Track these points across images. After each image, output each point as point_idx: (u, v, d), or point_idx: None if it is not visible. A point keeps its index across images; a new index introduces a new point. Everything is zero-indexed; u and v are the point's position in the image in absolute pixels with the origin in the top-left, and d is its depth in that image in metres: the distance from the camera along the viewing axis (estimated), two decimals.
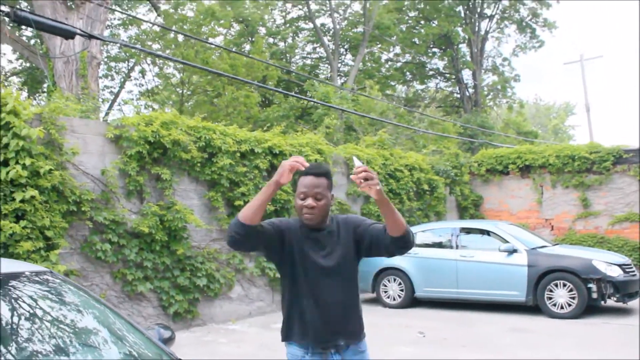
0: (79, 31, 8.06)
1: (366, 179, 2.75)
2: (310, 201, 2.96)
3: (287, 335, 3.01)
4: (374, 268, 10.71)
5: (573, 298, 9.17)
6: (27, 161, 6.58)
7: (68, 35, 8.02)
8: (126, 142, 7.94)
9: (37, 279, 2.68)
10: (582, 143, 17.59)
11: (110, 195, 7.78)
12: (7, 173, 6.46)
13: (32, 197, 6.56)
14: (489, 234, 10.34)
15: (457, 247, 10.32)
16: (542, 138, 34.94)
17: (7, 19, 7.54)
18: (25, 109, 6.80)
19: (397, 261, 10.50)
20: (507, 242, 9.86)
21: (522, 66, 52.19)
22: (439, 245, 10.61)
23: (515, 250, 9.69)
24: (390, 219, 2.90)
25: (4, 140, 6.59)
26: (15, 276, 2.65)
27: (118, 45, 19.84)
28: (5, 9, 7.46)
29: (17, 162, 6.56)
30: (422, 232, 10.83)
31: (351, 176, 2.81)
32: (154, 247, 8.10)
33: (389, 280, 10.64)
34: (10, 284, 2.53)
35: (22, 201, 6.49)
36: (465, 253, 10.13)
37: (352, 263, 3.11)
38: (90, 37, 8.54)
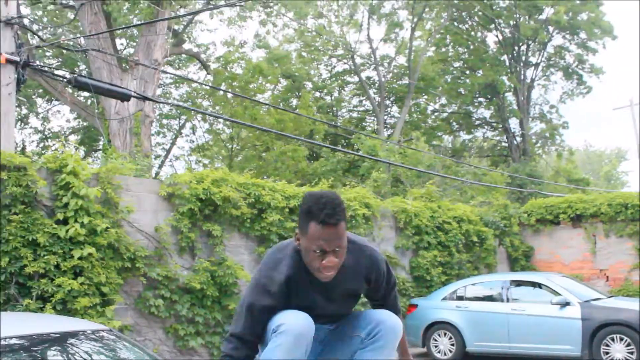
0: (134, 94, 8.45)
1: None
2: (331, 258, 2.47)
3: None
4: (424, 322, 10.61)
5: (631, 353, 8.88)
6: (85, 220, 6.85)
7: (124, 98, 8.41)
8: (179, 199, 8.19)
9: (94, 336, 2.82)
10: (635, 190, 17.25)
11: (163, 252, 7.99)
12: (67, 231, 6.73)
13: (90, 254, 6.80)
14: (540, 287, 10.15)
15: (508, 300, 10.16)
16: (594, 185, 34.29)
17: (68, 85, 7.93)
18: (84, 170, 7.11)
19: (447, 315, 10.40)
20: (559, 294, 9.66)
21: (570, 113, 51.73)
22: (490, 298, 10.47)
23: (568, 303, 9.49)
24: None
25: (64, 199, 6.89)
26: (75, 334, 2.79)
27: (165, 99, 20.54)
28: (66, 75, 7.90)
29: (75, 221, 6.83)
30: (472, 285, 10.72)
31: None
32: (205, 303, 8.24)
33: (439, 335, 10.51)
34: (69, 342, 2.67)
35: (80, 258, 6.73)
36: (517, 306, 9.96)
37: (356, 299, 2.87)
38: (145, 99, 8.94)
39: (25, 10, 17.74)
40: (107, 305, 6.98)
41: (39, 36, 9.64)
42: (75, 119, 22.47)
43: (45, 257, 6.55)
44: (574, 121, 50.79)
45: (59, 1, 18.83)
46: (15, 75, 7.34)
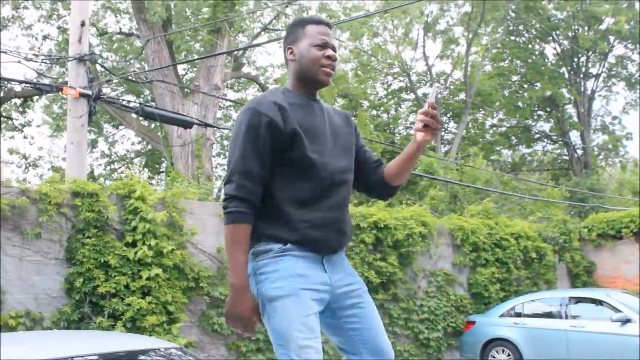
0: (196, 121, 8.92)
1: (433, 128, 2.45)
2: (331, 52, 2.52)
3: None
4: (482, 338, 10.66)
5: None
6: (152, 242, 7.29)
7: (187, 125, 8.89)
8: None
9: (166, 354, 3.14)
10: None
11: (225, 272, 8.36)
12: (135, 253, 7.18)
13: (157, 275, 7.23)
14: (600, 303, 10.09)
15: (567, 316, 10.13)
16: None
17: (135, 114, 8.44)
18: (151, 195, 7.57)
19: (505, 332, 10.44)
20: (619, 311, 9.59)
21: (634, 123, 50.36)
22: (548, 315, 10.45)
23: (628, 320, 9.41)
24: (409, 166, 2.62)
25: (133, 223, 7.35)
26: (147, 352, 3.12)
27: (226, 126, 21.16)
28: (134, 104, 8.43)
29: (143, 243, 7.28)
30: (530, 302, 10.73)
31: (419, 111, 2.46)
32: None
33: (497, 351, 10.54)
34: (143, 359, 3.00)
35: (148, 279, 7.17)
36: (576, 323, 9.92)
37: (353, 154, 2.69)
38: (206, 125, 9.42)
39: (93, 40, 18.69)
40: (173, 323, 7.38)
41: (109, 71, 10.26)
42: (139, 142, 23.37)
43: (116, 278, 7.01)
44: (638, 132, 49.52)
45: (123, 31, 19.77)
46: (87, 108, 7.88)
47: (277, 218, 2.42)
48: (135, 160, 23.45)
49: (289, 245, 2.38)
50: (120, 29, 19.96)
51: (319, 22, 2.57)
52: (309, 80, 2.56)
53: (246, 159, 2.38)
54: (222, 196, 2.43)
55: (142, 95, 21.94)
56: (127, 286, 7.06)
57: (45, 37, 18.97)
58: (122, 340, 3.55)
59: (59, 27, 18.34)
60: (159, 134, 18.81)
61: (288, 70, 2.64)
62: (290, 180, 2.43)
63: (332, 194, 2.47)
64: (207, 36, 15.92)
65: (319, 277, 2.42)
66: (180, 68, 20.97)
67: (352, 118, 2.77)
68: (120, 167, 23.14)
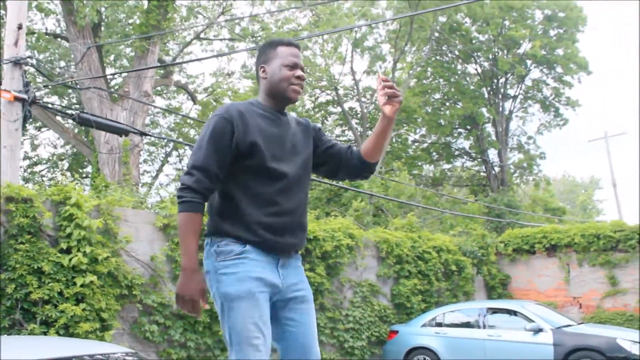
0: (132, 130, 8.95)
1: (394, 96, 2.71)
2: (300, 72, 2.79)
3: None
4: (404, 348, 11.08)
5: None
6: (88, 249, 7.28)
7: (122, 132, 8.90)
8: (173, 230, 8.65)
9: (127, 358, 3.28)
10: (608, 220, 17.92)
11: (158, 280, 8.42)
12: (70, 260, 7.16)
13: (91, 282, 7.22)
14: (515, 314, 10.69)
15: (484, 326, 10.68)
16: (570, 214, 35.11)
17: (71, 120, 8.39)
18: (87, 202, 7.57)
19: (426, 341, 10.90)
20: (532, 321, 10.21)
21: (547, 143, 52.91)
22: (467, 325, 10.98)
23: (540, 330, 10.04)
24: (383, 141, 2.85)
25: (67, 230, 7.32)
26: (108, 356, 3.26)
27: (159, 135, 21.01)
28: (70, 111, 8.38)
29: (78, 250, 7.26)
30: (450, 312, 11.24)
31: (378, 87, 2.72)
32: (197, 328, 8.65)
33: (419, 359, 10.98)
34: None
35: (82, 285, 7.16)
36: (493, 332, 10.49)
37: (310, 166, 2.93)
38: (142, 134, 9.45)
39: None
40: (106, 330, 7.38)
41: (45, 76, 10.12)
42: (62, 145, 22.83)
43: (50, 285, 6.97)
44: (551, 151, 52.07)
45: (50, 32, 19.34)
46: (22, 113, 7.80)
47: (237, 219, 2.66)
48: (59, 164, 22.87)
49: (247, 247, 2.63)
50: (47, 29, 19.53)
51: (289, 44, 2.82)
52: (279, 97, 2.81)
53: (207, 157, 2.62)
54: (179, 185, 2.65)
55: (66, 97, 21.49)
56: (60, 293, 7.03)
57: None
58: (79, 345, 3.65)
59: None
60: (85, 138, 18.49)
61: (259, 86, 2.90)
62: (250, 185, 2.69)
63: (287, 199, 2.71)
64: (139, 42, 15.80)
65: (272, 279, 2.67)
66: (109, 71, 20.67)
67: (311, 123, 3.02)
68: (42, 170, 22.53)
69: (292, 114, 3.05)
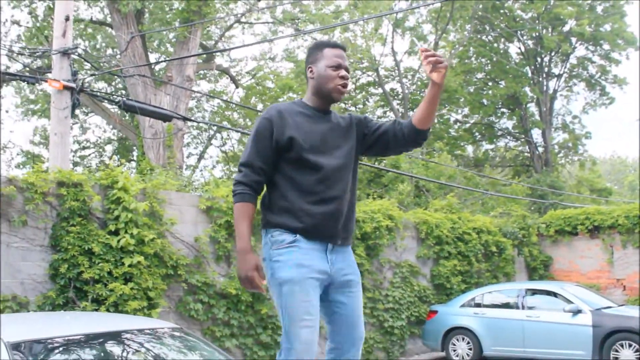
0: (175, 115, 9.23)
1: (438, 62, 2.85)
2: (344, 72, 3.01)
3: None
4: (443, 327, 11.23)
5: (639, 358, 9.42)
6: (134, 231, 7.61)
7: (166, 118, 9.19)
8: (216, 212, 8.94)
9: (174, 333, 3.53)
10: None
11: (202, 260, 8.73)
12: (118, 241, 7.49)
13: (138, 262, 7.55)
14: (555, 295, 10.72)
15: (523, 307, 10.74)
16: (618, 195, 34.47)
17: (117, 107, 8.71)
18: (133, 185, 7.88)
19: (465, 321, 11.02)
20: (572, 302, 10.22)
21: (593, 122, 51.82)
22: (506, 305, 11.05)
23: (580, 311, 10.06)
24: (433, 108, 2.98)
25: (115, 212, 7.65)
26: (156, 331, 3.51)
27: (203, 118, 21.40)
28: (116, 98, 8.70)
29: (125, 232, 7.59)
30: (489, 293, 11.33)
31: (422, 56, 2.88)
32: (239, 307, 8.95)
33: (457, 340, 11.10)
34: (158, 336, 3.38)
35: (130, 266, 7.49)
36: (532, 313, 10.54)
37: (356, 158, 3.15)
38: (185, 119, 9.71)
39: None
40: (152, 308, 7.71)
41: (93, 65, 10.49)
42: (110, 129, 23.42)
43: (100, 265, 7.31)
44: (597, 131, 51.06)
45: (95, 19, 19.81)
46: (71, 101, 8.14)
47: (284, 208, 2.96)
48: (107, 148, 23.51)
49: (298, 237, 2.91)
50: (92, 17, 19.99)
51: (334, 45, 3.08)
52: (324, 95, 3.06)
53: (251, 155, 2.95)
54: (233, 182, 3.01)
55: (112, 84, 22.01)
56: (110, 272, 7.36)
57: (14, 23, 18.89)
58: (129, 320, 3.92)
59: (30, 13, 18.30)
60: (130, 122, 18.96)
61: (307, 85, 3.16)
62: (292, 177, 2.97)
63: (329, 188, 2.95)
64: (180, 28, 16.10)
65: (321, 266, 2.93)
66: (153, 57, 21.09)
67: (354, 115, 3.23)
68: (90, 155, 23.20)
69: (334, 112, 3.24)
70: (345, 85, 3.04)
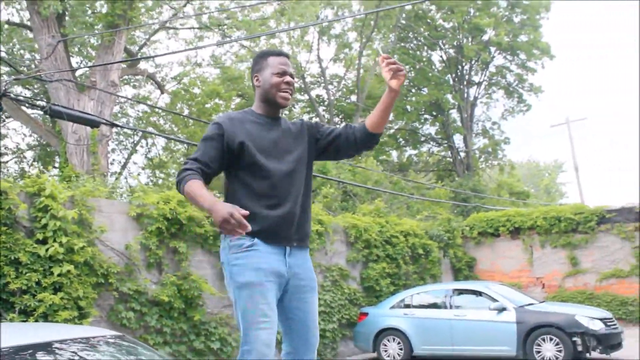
0: (103, 121, 9.05)
1: (398, 70, 2.94)
2: (289, 78, 3.09)
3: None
4: (374, 329, 11.42)
5: (560, 351, 9.86)
6: (64, 239, 7.42)
7: (94, 124, 9.00)
8: (147, 219, 8.82)
9: (115, 341, 3.49)
10: (569, 203, 18.50)
11: (133, 268, 8.59)
12: (47, 250, 7.29)
13: (68, 271, 7.36)
14: (480, 294, 11.08)
15: (451, 307, 11.07)
16: (535, 197, 35.91)
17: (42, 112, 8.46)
18: (61, 193, 7.68)
19: (395, 322, 11.25)
20: (496, 301, 10.61)
21: (511, 129, 53.86)
22: (434, 305, 11.36)
23: (504, 309, 10.45)
24: (388, 113, 3.07)
25: (43, 221, 7.45)
26: (97, 339, 3.46)
27: (128, 123, 20.96)
28: (41, 103, 8.46)
29: (54, 240, 7.40)
30: (417, 294, 11.60)
31: (382, 64, 2.96)
32: (172, 314, 8.85)
33: (388, 340, 11.32)
34: (99, 346, 3.34)
35: (59, 275, 7.30)
36: (459, 312, 10.88)
37: (309, 162, 3.21)
38: (113, 125, 9.54)
39: None
40: (83, 318, 7.54)
41: (15, 69, 10.13)
42: (30, 135, 22.61)
43: (27, 275, 7.10)
44: (515, 136, 53.05)
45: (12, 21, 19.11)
46: None
47: None
48: (27, 154, 22.68)
49: (256, 240, 2.95)
50: (9, 18, 19.28)
51: (279, 54, 3.16)
52: (271, 102, 3.13)
53: (198, 152, 3.02)
54: (177, 177, 2.99)
55: (31, 88, 21.26)
56: (38, 282, 7.16)
57: None
58: (67, 330, 3.84)
59: None
60: (53, 128, 18.36)
61: (255, 94, 3.22)
62: (247, 182, 3.03)
63: (282, 192, 3.02)
64: (107, 34, 15.75)
65: (279, 268, 2.99)
66: (74, 62, 20.52)
67: (306, 121, 3.31)
68: (7, 161, 22.30)
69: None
70: (290, 92, 3.12)
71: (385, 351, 11.32)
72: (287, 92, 3.10)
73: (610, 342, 9.99)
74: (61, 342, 3.33)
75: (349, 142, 3.19)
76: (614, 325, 10.32)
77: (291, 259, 3.04)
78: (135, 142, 23.96)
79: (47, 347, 3.24)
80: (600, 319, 10.15)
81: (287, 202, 3.02)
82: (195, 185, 2.83)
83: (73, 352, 3.18)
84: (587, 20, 77.54)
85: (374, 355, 11.54)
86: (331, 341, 11.73)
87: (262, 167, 2.99)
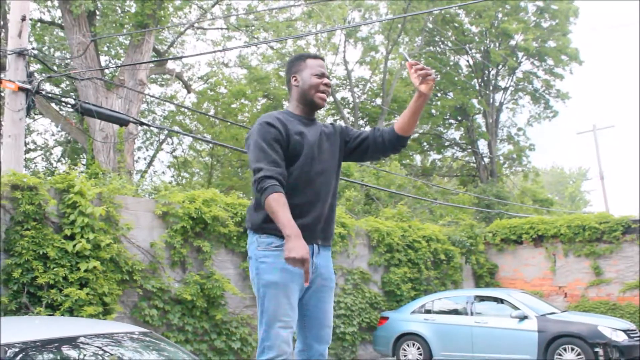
0: (132, 119, 9.18)
1: (427, 75, 3.00)
2: (327, 80, 3.18)
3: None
4: (394, 333, 11.43)
5: None
6: (91, 236, 7.55)
7: (123, 123, 9.14)
8: (172, 217, 8.93)
9: (143, 337, 3.57)
10: (594, 212, 18.30)
11: (157, 266, 8.70)
12: (74, 246, 7.43)
13: (94, 267, 7.50)
14: (502, 302, 11.05)
15: (472, 313, 11.04)
16: (558, 205, 35.58)
17: (72, 109, 8.61)
18: (89, 190, 7.82)
19: (415, 327, 11.25)
20: (518, 309, 10.57)
21: (537, 135, 53.41)
22: (455, 312, 11.34)
23: (526, 317, 10.41)
24: (417, 117, 3.16)
25: (71, 217, 7.58)
26: (125, 334, 3.54)
27: (154, 121, 21.19)
28: (71, 101, 8.61)
29: (82, 237, 7.53)
30: (439, 300, 11.59)
31: (410, 70, 3.03)
32: (194, 313, 8.95)
33: (408, 345, 11.33)
34: (125, 341, 3.42)
35: (85, 271, 7.43)
36: (480, 319, 10.85)
37: (339, 163, 3.29)
38: (141, 124, 9.65)
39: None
40: (108, 314, 7.67)
41: (49, 67, 10.33)
42: (58, 131, 22.96)
43: (55, 269, 7.23)
44: (540, 143, 52.62)
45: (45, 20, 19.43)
46: (26, 103, 8.03)
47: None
48: (55, 151, 23.03)
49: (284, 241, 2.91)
50: (41, 17, 19.61)
51: (316, 57, 3.25)
52: (309, 102, 3.19)
53: (265, 153, 2.98)
54: (255, 186, 2.96)
55: (61, 85, 21.58)
56: (65, 277, 7.29)
57: None
58: (92, 325, 3.93)
59: None
60: (81, 126, 18.63)
61: (291, 95, 3.27)
62: (288, 180, 3.03)
63: (316, 191, 3.08)
64: (135, 34, 15.95)
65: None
66: (104, 60, 20.80)
67: (337, 125, 3.38)
68: (35, 157, 22.67)
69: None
70: (328, 93, 3.20)
71: (405, 356, 11.32)
72: (324, 92, 3.17)
73: (632, 354, 9.91)
74: (90, 336, 3.41)
75: (377, 144, 3.26)
76: (637, 337, 10.22)
77: (318, 259, 3.13)
78: (160, 140, 24.21)
79: (72, 341, 3.34)
80: (623, 330, 10.07)
81: (319, 202, 3.08)
82: (282, 202, 2.82)
83: (98, 346, 3.26)
84: (616, 22, 76.58)
85: (393, 359, 11.55)
86: (350, 344, 11.75)
87: (303, 167, 3.05)
